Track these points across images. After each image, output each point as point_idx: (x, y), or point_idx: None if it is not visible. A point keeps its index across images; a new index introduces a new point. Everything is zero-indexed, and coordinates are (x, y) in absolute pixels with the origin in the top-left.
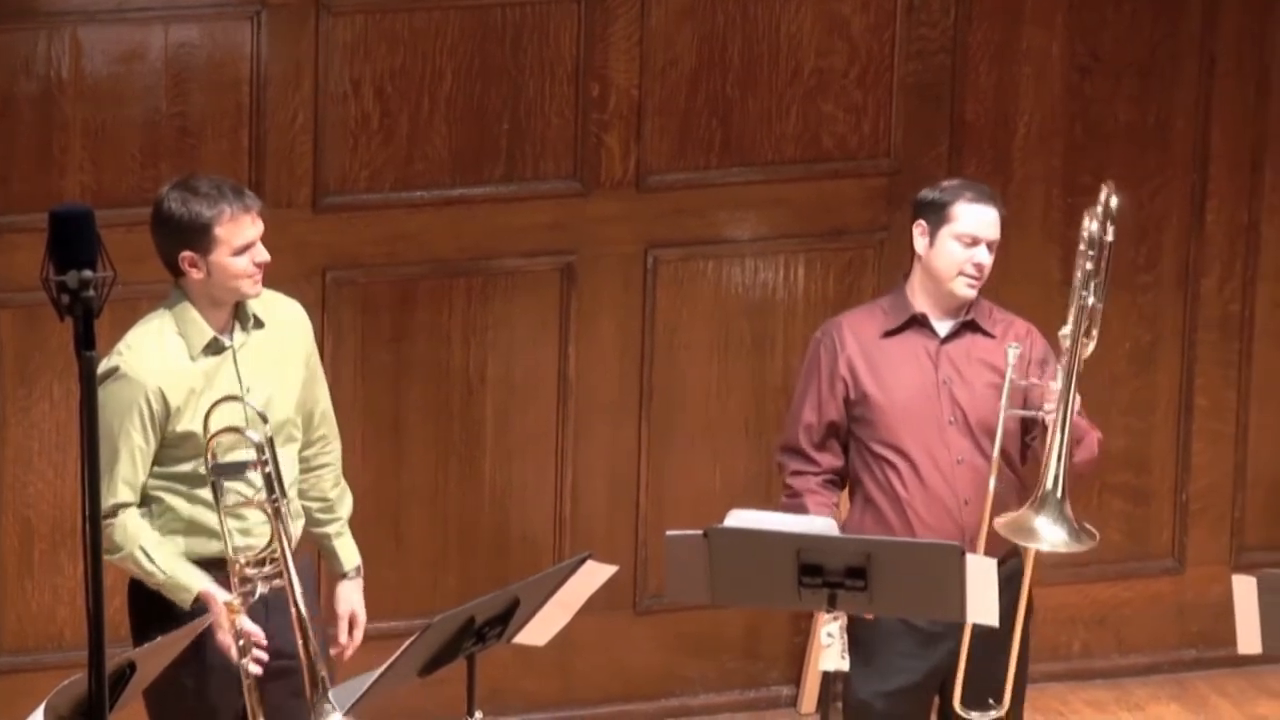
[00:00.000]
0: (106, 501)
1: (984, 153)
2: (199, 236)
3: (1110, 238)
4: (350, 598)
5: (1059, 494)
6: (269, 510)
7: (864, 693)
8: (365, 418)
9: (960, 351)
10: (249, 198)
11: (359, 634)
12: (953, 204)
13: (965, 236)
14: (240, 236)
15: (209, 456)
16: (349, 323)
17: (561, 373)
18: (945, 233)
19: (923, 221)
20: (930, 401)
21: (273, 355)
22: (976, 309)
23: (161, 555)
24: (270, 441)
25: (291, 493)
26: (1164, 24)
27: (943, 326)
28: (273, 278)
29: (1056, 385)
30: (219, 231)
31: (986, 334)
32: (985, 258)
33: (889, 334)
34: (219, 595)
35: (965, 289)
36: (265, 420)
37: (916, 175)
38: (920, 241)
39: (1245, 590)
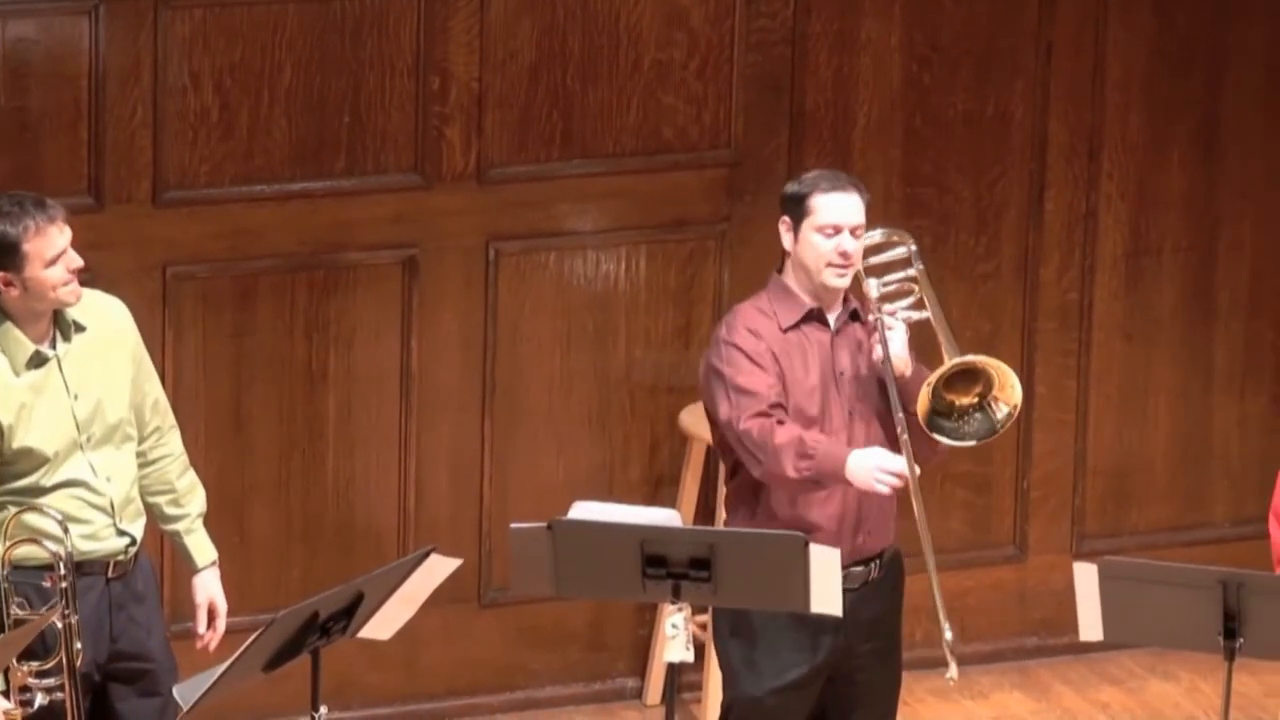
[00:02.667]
0: None
1: (824, 143)
2: (9, 256)
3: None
4: (208, 587)
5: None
6: (60, 624)
7: (754, 689)
8: (207, 413)
9: (850, 342)
10: (52, 208)
11: (221, 624)
12: (810, 196)
13: (826, 227)
14: (50, 248)
15: (3, 564)
16: (190, 318)
17: (404, 366)
18: (807, 226)
19: (786, 217)
20: (831, 395)
21: (98, 358)
22: (857, 298)
23: None
24: (69, 557)
25: (133, 492)
26: (1002, 13)
27: (831, 319)
28: (113, 274)
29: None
30: (28, 247)
31: (864, 322)
32: (850, 245)
33: (788, 330)
34: None
35: (835, 279)
36: (66, 530)
37: (757, 166)
38: (786, 238)
39: (1086, 578)
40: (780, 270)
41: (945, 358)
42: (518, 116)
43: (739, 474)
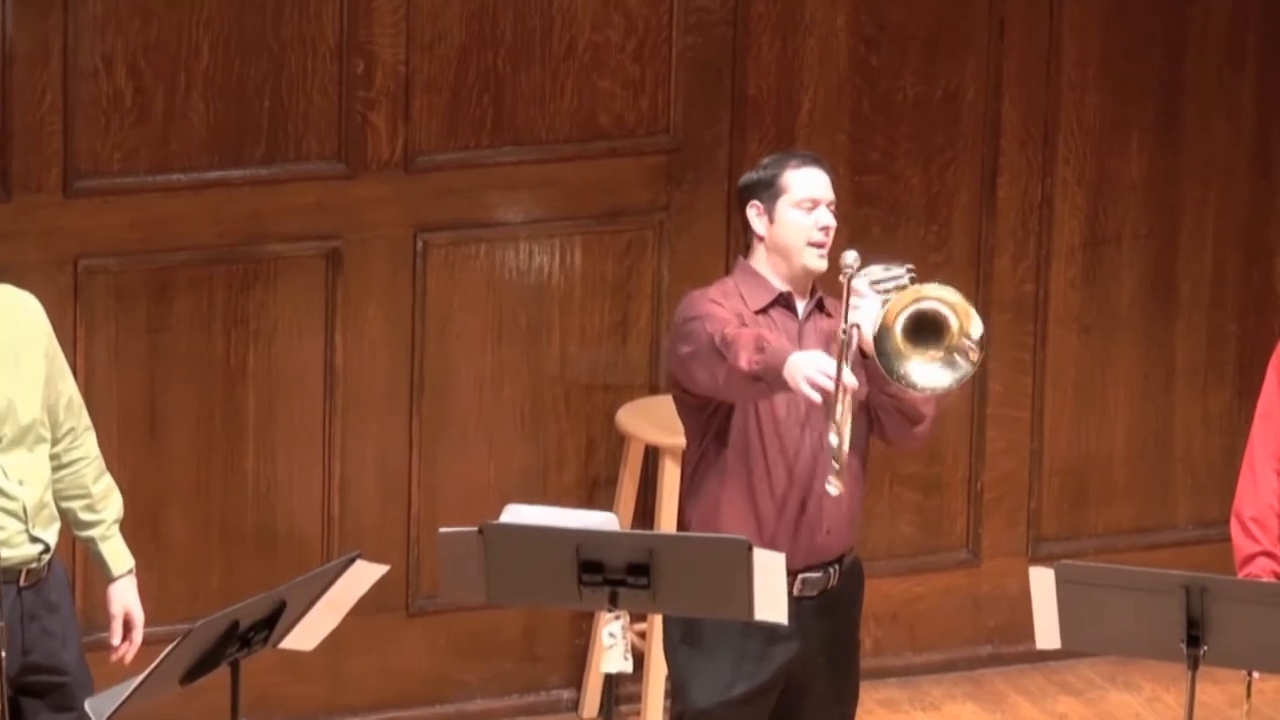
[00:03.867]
0: None
1: (767, 129)
2: None
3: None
4: (124, 596)
5: None
6: None
7: (704, 700)
8: (121, 413)
9: (817, 332)
10: None
11: (137, 635)
12: (781, 174)
13: (805, 202)
14: None
15: None
16: (103, 313)
17: (328, 363)
18: (783, 204)
19: (756, 202)
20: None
21: (8, 356)
22: (821, 287)
23: None
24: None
25: (47, 496)
26: None
27: (801, 307)
28: (21, 266)
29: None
30: None
31: (829, 314)
32: (829, 219)
33: (759, 312)
34: None
35: (816, 260)
36: None
37: (697, 153)
38: (759, 223)
39: (1043, 583)
40: (748, 255)
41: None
42: (446, 101)
43: (701, 456)
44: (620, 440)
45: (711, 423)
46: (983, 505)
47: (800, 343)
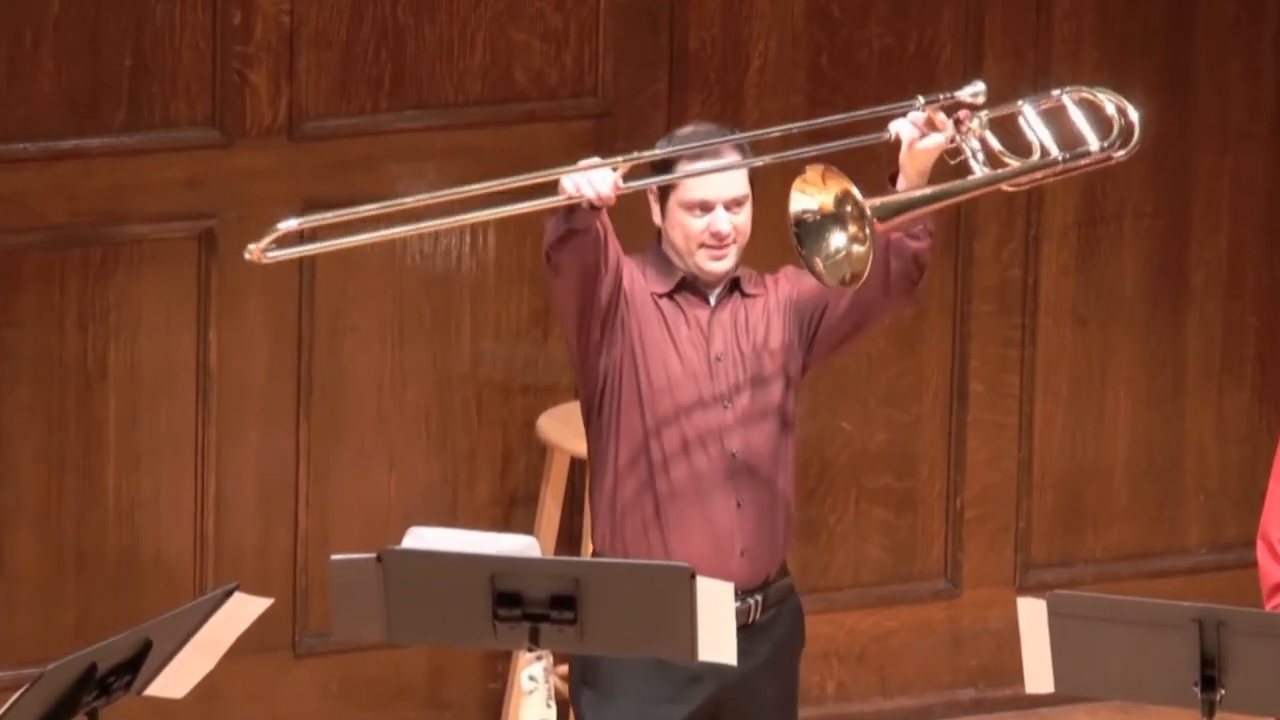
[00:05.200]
0: None
1: (711, 89)
2: None
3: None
4: None
5: None
6: None
7: None
8: None
9: (732, 321)
10: None
11: None
12: (675, 164)
13: (693, 205)
14: None
15: None
16: None
17: (201, 362)
18: (673, 202)
19: (654, 186)
20: (703, 382)
21: None
22: (740, 270)
23: None
24: None
25: None
26: None
27: (711, 293)
28: None
29: None
30: None
31: (751, 296)
32: (725, 224)
33: (661, 296)
34: None
35: (710, 263)
36: None
37: (630, 117)
38: (654, 210)
39: (1033, 616)
40: (654, 243)
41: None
42: (338, 58)
43: (601, 464)
44: (542, 451)
45: (608, 416)
46: (963, 526)
47: (708, 334)
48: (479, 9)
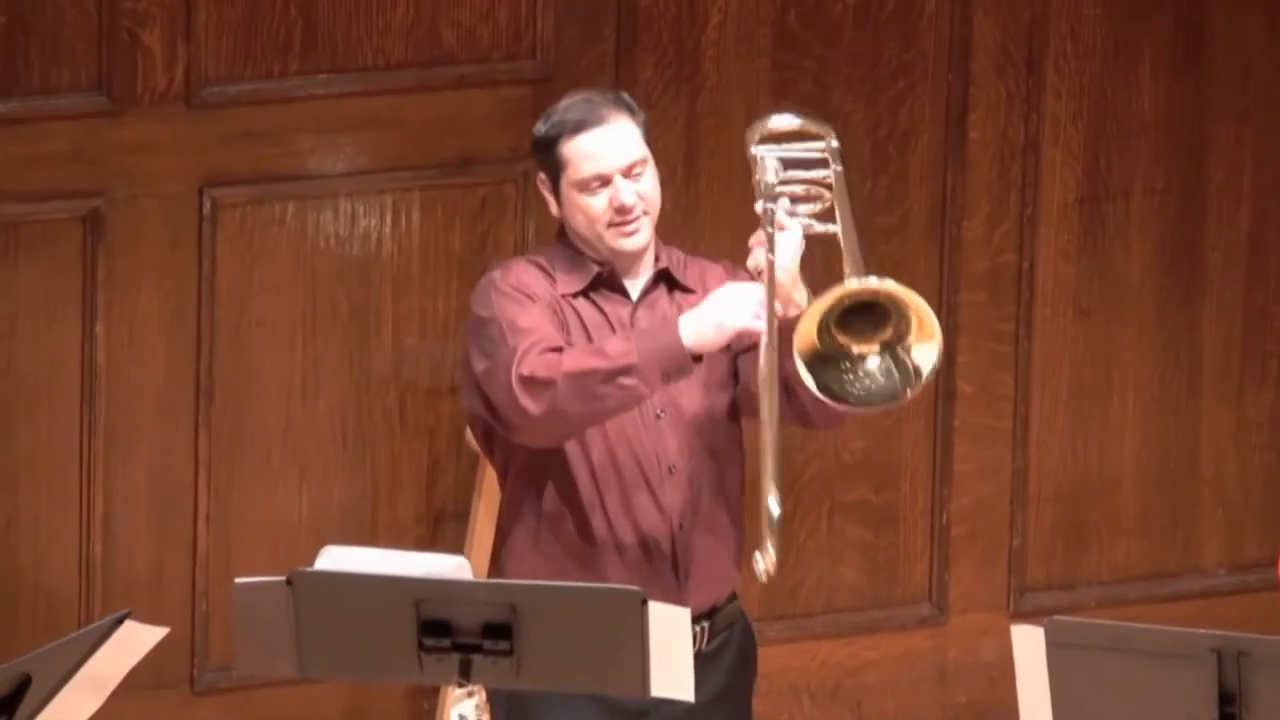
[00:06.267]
0: None
1: (664, 50)
2: None
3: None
4: None
5: None
6: None
7: None
8: None
9: (660, 317)
10: None
11: None
12: (558, 144)
13: (589, 181)
14: None
15: None
16: None
17: (87, 361)
18: (566, 184)
19: (543, 175)
20: None
21: None
22: (666, 255)
23: None
24: None
25: None
26: None
27: (634, 286)
28: None
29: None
30: None
31: (684, 289)
32: (628, 195)
33: (575, 297)
34: None
35: (623, 241)
36: None
37: (572, 82)
38: (550, 203)
39: (1029, 645)
40: (558, 236)
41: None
42: (241, 14)
43: (515, 481)
44: (473, 462)
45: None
46: (950, 544)
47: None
48: None
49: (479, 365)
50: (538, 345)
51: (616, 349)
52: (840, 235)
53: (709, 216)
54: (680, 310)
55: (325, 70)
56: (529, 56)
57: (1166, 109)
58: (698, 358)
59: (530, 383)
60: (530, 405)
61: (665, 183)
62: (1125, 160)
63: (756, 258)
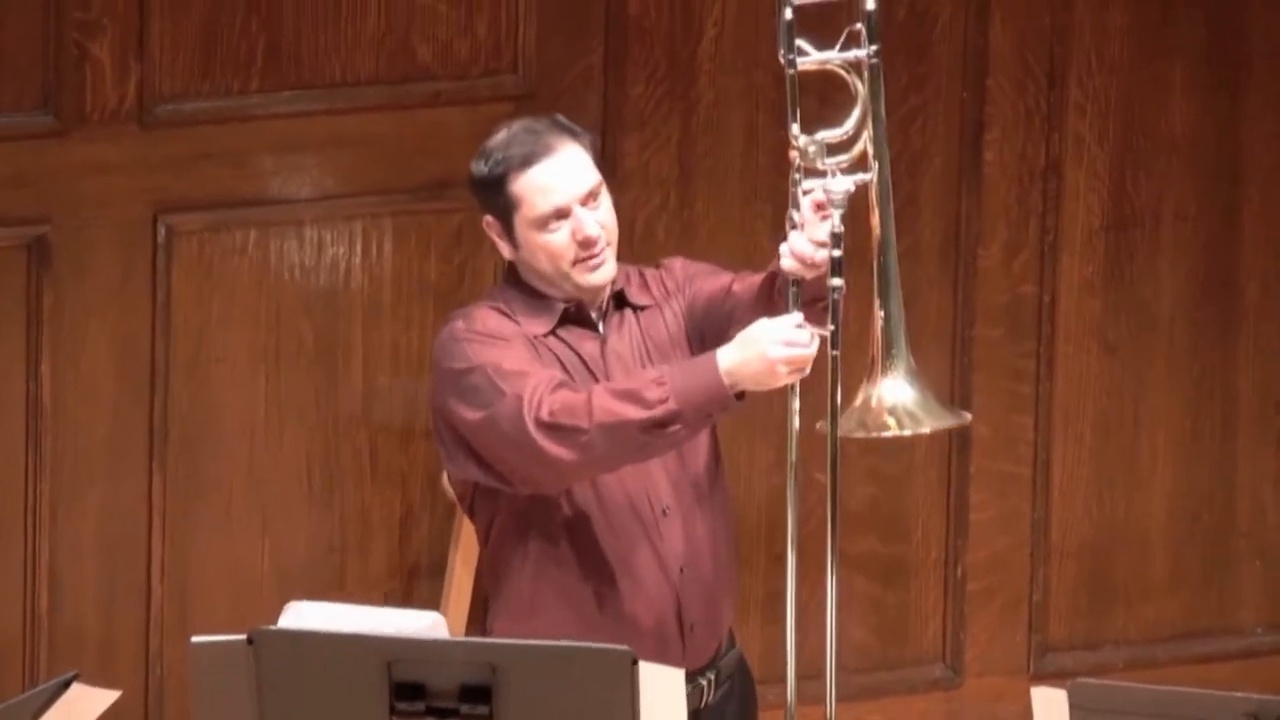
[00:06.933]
0: None
1: (656, 64)
2: None
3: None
4: None
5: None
6: None
7: None
8: None
9: (629, 348)
10: None
11: None
12: (506, 182)
13: (546, 218)
14: None
15: None
16: None
17: (32, 400)
18: (519, 225)
19: (490, 218)
20: None
21: None
22: (618, 275)
23: None
24: None
25: None
26: None
27: (596, 316)
28: None
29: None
30: None
31: (641, 308)
32: (592, 227)
33: (544, 337)
34: None
35: (590, 277)
36: None
37: (556, 100)
38: (502, 246)
39: (1051, 710)
40: (509, 279)
41: (884, 371)
42: (198, 26)
43: (500, 539)
44: (449, 510)
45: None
46: (965, 600)
47: (607, 372)
48: None
49: (469, 416)
50: (544, 385)
51: (653, 395)
52: (878, 323)
53: (705, 243)
54: (644, 333)
55: (289, 87)
56: (510, 71)
57: (1199, 126)
58: (740, 395)
59: (555, 429)
60: (561, 452)
61: (657, 208)
62: (1154, 183)
63: (799, 247)
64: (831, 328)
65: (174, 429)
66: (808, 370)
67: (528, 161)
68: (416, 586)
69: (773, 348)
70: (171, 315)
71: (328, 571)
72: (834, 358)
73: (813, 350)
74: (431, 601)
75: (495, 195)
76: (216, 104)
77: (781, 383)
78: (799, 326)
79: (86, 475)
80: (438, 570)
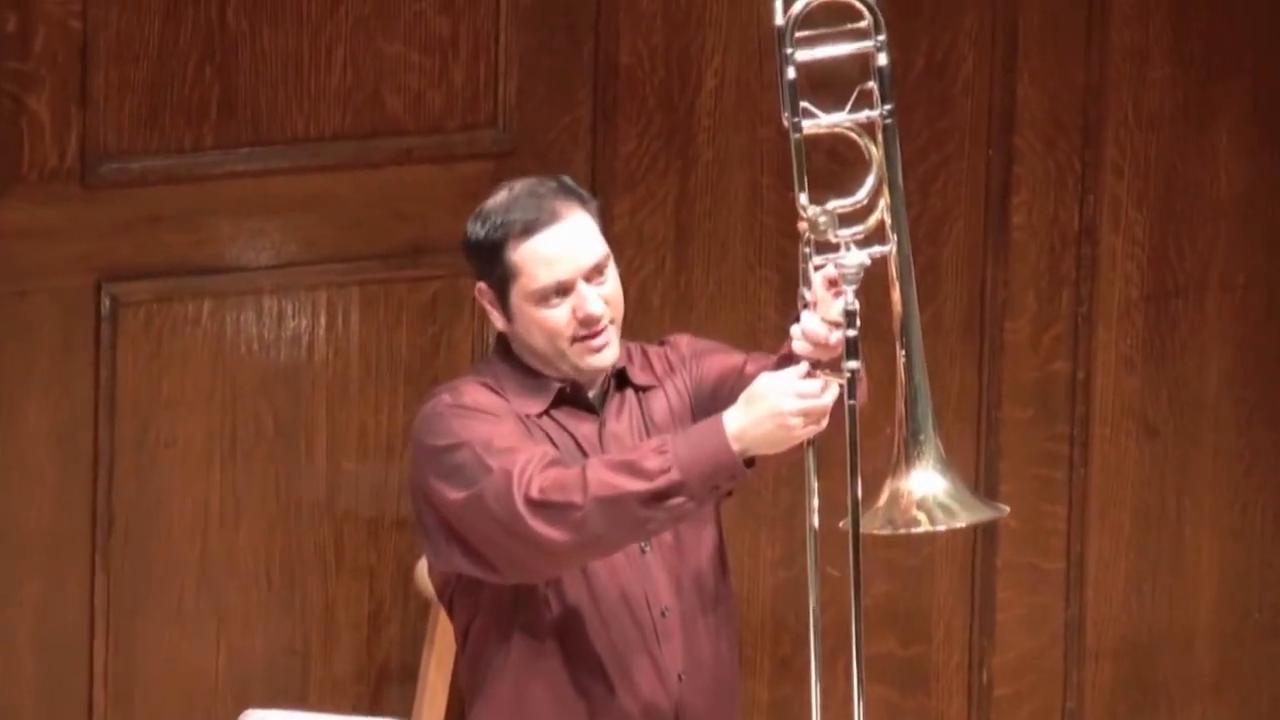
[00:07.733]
0: None
1: (649, 119)
2: None
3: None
4: None
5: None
6: None
7: None
8: None
9: (629, 432)
10: None
11: None
12: (504, 249)
13: (546, 292)
14: None
15: None
16: None
17: None
18: (516, 296)
19: (483, 285)
20: None
21: None
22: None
23: None
24: None
25: None
26: None
27: (596, 396)
28: None
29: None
30: None
31: (644, 389)
32: (595, 305)
33: (538, 417)
34: None
35: (592, 359)
36: None
37: (540, 157)
38: (494, 316)
39: None
40: (500, 352)
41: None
42: (146, 76)
43: (481, 638)
44: (423, 608)
45: (486, 586)
46: (991, 706)
47: (602, 453)
48: (337, 11)
49: (453, 496)
50: (536, 461)
51: (654, 465)
52: (902, 407)
53: (704, 311)
54: (645, 416)
55: (247, 143)
56: (489, 126)
57: (1247, 188)
58: (750, 462)
59: (546, 507)
60: (553, 533)
61: (652, 274)
62: (1199, 249)
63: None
64: (851, 401)
65: (119, 519)
66: (824, 423)
67: (530, 229)
68: (386, 692)
69: (784, 400)
70: (117, 393)
71: (288, 677)
72: (852, 435)
73: (828, 399)
74: (403, 708)
75: (491, 263)
76: (166, 161)
77: (797, 439)
78: (807, 376)
79: (23, 569)
80: (410, 674)
